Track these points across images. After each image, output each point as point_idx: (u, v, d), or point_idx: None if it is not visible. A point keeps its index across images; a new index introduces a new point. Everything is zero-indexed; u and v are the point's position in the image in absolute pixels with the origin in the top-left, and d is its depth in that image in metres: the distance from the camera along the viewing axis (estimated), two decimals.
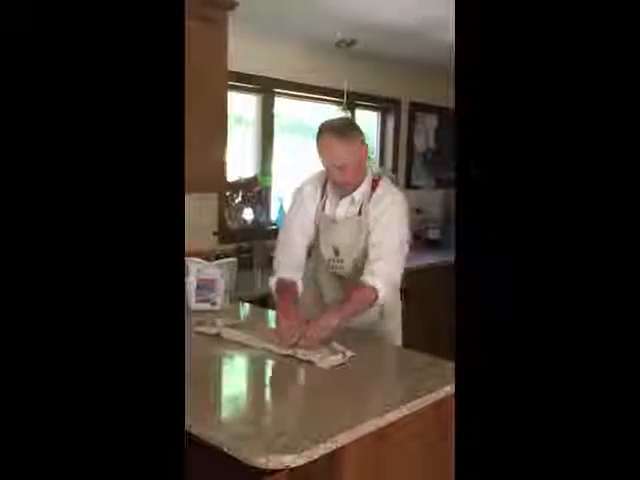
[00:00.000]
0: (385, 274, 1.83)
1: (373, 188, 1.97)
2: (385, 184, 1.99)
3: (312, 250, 2.12)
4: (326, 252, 2.05)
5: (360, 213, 1.96)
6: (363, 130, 1.95)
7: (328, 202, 2.03)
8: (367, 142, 1.96)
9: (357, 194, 1.96)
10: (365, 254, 1.93)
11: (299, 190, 2.08)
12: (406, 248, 1.95)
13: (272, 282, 1.96)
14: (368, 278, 1.82)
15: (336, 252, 2.02)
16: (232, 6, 2.56)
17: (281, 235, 2.08)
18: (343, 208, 1.99)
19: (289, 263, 1.98)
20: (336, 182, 1.94)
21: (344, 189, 1.97)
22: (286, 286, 1.91)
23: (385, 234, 1.88)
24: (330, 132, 1.85)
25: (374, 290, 1.81)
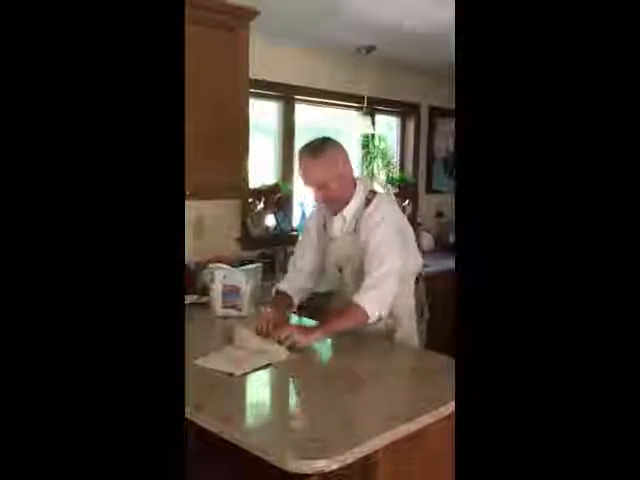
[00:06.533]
0: (375, 298, 1.82)
1: (367, 204, 1.95)
2: (377, 200, 1.95)
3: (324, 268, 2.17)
4: (330, 269, 2.10)
5: (356, 230, 1.95)
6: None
7: (328, 221, 2.07)
8: (348, 156, 1.97)
9: (346, 211, 1.98)
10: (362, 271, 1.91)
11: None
12: (397, 264, 1.87)
13: (273, 291, 2.15)
14: (358, 299, 1.82)
15: (340, 270, 2.06)
16: (253, 15, 2.58)
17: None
18: (337, 226, 2.02)
19: (290, 278, 2.16)
20: (319, 201, 2.00)
21: (333, 207, 2.01)
22: (280, 296, 2.11)
23: (374, 258, 1.85)
24: (305, 153, 1.90)
25: (364, 311, 1.81)
